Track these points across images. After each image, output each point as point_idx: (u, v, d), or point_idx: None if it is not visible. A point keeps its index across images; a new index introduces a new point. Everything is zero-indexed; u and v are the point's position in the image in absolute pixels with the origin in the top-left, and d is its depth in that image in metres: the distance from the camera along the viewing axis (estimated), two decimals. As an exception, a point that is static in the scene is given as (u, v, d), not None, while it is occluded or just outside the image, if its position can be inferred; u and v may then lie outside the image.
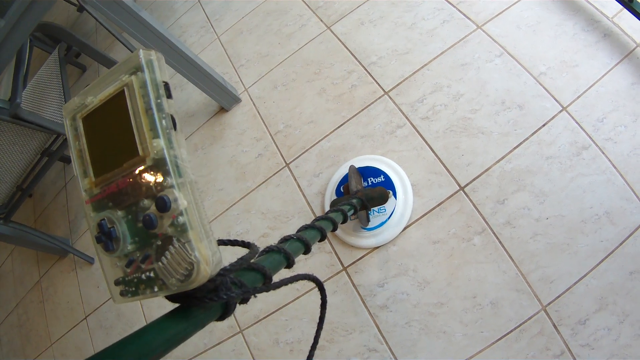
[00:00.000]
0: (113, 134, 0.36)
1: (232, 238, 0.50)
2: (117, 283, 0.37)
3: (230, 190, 1.54)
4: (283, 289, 1.41)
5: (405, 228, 1.23)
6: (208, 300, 0.38)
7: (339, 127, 1.44)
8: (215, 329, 1.44)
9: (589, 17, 1.27)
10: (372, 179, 1.27)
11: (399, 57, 1.43)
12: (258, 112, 1.62)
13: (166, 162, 0.33)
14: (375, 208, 1.23)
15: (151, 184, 0.34)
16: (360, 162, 1.32)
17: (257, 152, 1.55)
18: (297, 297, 1.32)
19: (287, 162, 1.48)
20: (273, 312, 1.34)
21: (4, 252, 2.44)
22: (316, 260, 1.32)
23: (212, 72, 1.50)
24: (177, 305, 0.39)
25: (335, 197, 1.29)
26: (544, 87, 1.23)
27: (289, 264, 0.57)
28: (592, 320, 1.02)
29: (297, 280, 0.55)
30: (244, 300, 0.45)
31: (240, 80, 1.72)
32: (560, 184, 1.13)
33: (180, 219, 0.33)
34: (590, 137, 1.15)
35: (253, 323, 1.37)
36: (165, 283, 0.34)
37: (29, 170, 1.64)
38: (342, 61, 1.53)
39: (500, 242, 1.13)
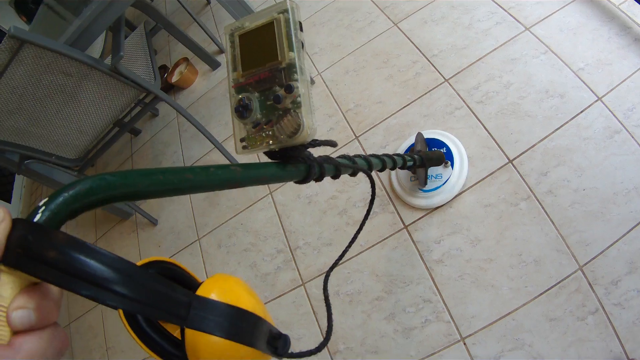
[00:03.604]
0: (261, 46, 0.52)
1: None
2: (242, 140, 0.54)
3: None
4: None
5: (460, 193, 1.36)
6: (301, 159, 0.57)
7: (404, 107, 1.60)
8: (277, 282, 1.54)
9: (622, 23, 1.40)
10: (435, 149, 1.41)
11: (457, 51, 1.60)
12: (330, 92, 1.79)
13: (295, 65, 0.50)
14: (434, 174, 1.37)
15: (283, 77, 0.51)
16: (427, 134, 1.46)
17: (329, 126, 1.72)
18: (360, 252, 1.45)
19: (357, 135, 1.65)
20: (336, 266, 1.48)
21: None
22: (380, 220, 1.45)
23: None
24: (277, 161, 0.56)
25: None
26: (582, 80, 1.36)
27: (354, 171, 0.75)
28: (623, 281, 1.09)
29: (359, 170, 0.73)
30: (320, 177, 0.61)
31: (314, 65, 1.90)
32: (595, 161, 1.24)
33: (298, 99, 0.50)
34: (621, 123, 1.26)
35: (316, 276, 1.48)
36: (278, 139, 0.51)
37: (106, 131, 1.66)
38: (408, 53, 1.69)
39: (543, 208, 1.25)
